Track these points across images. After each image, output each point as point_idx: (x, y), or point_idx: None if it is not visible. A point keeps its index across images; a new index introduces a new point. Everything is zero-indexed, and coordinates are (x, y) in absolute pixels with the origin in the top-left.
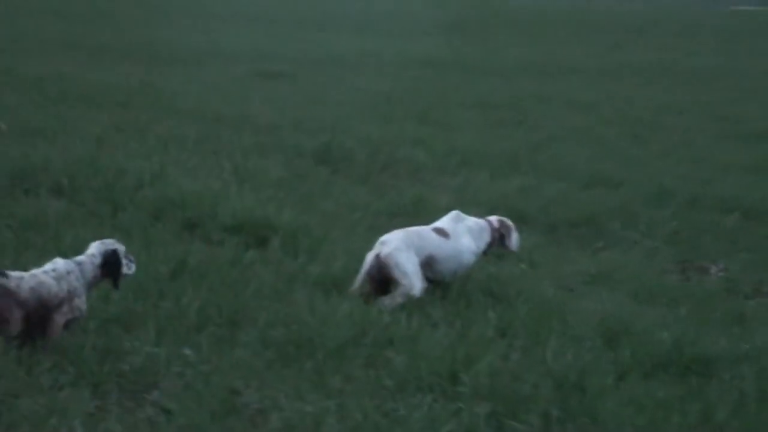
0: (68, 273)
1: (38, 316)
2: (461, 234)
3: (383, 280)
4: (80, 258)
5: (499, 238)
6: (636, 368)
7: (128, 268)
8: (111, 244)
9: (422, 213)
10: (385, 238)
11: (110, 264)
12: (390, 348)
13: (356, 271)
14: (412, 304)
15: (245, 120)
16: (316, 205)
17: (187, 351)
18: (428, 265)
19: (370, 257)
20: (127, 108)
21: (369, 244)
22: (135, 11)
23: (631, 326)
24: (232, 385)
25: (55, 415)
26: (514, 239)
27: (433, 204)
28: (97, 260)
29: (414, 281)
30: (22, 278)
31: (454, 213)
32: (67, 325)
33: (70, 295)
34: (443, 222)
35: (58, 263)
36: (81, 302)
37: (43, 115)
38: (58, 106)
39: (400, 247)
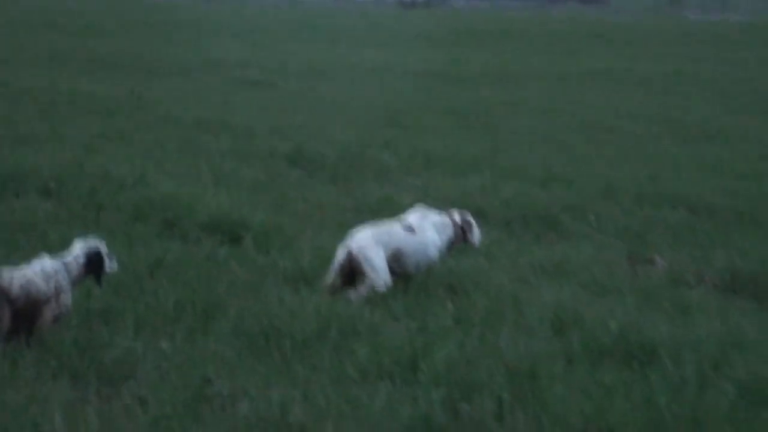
0: (55, 272)
1: (27, 312)
2: (426, 229)
3: (352, 273)
4: (66, 257)
5: (461, 233)
6: (584, 356)
7: (110, 266)
8: (94, 243)
9: (387, 211)
10: (354, 232)
11: (93, 263)
12: (354, 339)
13: (324, 266)
14: (376, 298)
15: (225, 126)
16: (288, 205)
17: (163, 344)
18: (395, 258)
19: (341, 252)
20: (114, 116)
21: (337, 241)
22: (126, 25)
23: (580, 316)
24: (204, 374)
25: (35, 404)
26: (476, 234)
27: (398, 202)
28: (81, 259)
29: (381, 276)
30: (12, 276)
31: (419, 208)
32: (53, 320)
33: (57, 293)
34: (410, 218)
35: (46, 263)
36: (66, 299)
37: (34, 123)
38: (48, 115)
39: (369, 243)
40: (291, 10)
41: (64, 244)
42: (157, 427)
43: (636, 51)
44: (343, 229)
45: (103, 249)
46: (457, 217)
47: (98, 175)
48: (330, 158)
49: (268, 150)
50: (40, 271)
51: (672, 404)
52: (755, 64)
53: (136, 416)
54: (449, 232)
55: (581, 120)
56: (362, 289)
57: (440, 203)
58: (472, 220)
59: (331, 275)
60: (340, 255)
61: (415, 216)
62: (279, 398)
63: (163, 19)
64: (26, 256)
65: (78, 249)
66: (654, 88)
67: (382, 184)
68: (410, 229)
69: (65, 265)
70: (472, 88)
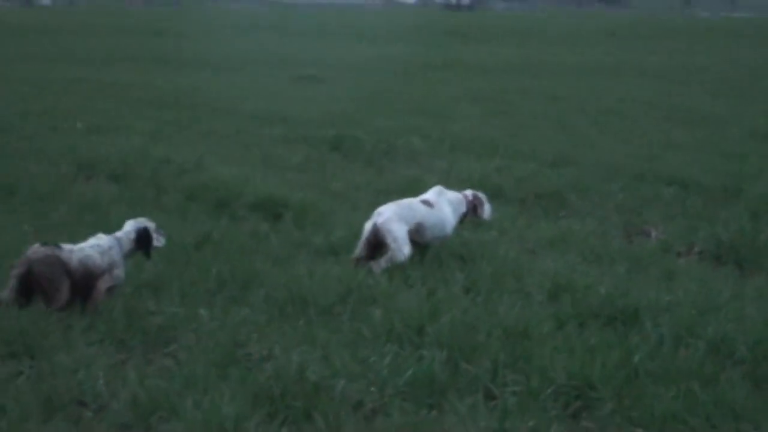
0: (110, 248)
1: (84, 284)
2: (443, 205)
3: (377, 245)
4: (119, 234)
5: (473, 209)
6: (573, 319)
7: (158, 241)
8: (143, 221)
9: (414, 190)
10: (380, 209)
11: (142, 238)
12: (371, 305)
13: (353, 240)
14: (396, 268)
15: (276, 116)
16: (326, 186)
17: (202, 311)
18: (417, 231)
19: (367, 226)
20: (179, 108)
21: (366, 218)
22: (190, 27)
23: (573, 282)
24: (236, 339)
25: (83, 367)
26: (486, 210)
27: (424, 183)
28: (132, 236)
29: (402, 247)
30: (72, 251)
31: (437, 188)
32: (108, 291)
33: (111, 266)
34: (428, 195)
35: (102, 239)
36: (120, 272)
37: (108, 114)
38: (121, 107)
39: (392, 217)
40: (346, 13)
41: (124, 223)
42: (189, 385)
43: (646, 45)
44: (373, 207)
45: (152, 227)
46: (469, 194)
47: (160, 160)
48: (367, 144)
49: (312, 137)
50: (97, 247)
51: (647, 361)
52: (753, 56)
53: (171, 377)
54: (462, 208)
55: (589, 106)
56: (384, 260)
57: (461, 183)
58: (483, 198)
59: (359, 248)
60: (366, 229)
61: (433, 193)
62: (299, 359)
63: (224, 21)
64: (90, 233)
65: (129, 227)
66: (658, 78)
67: (410, 167)
68: (429, 204)
69: (118, 240)
70: (496, 79)
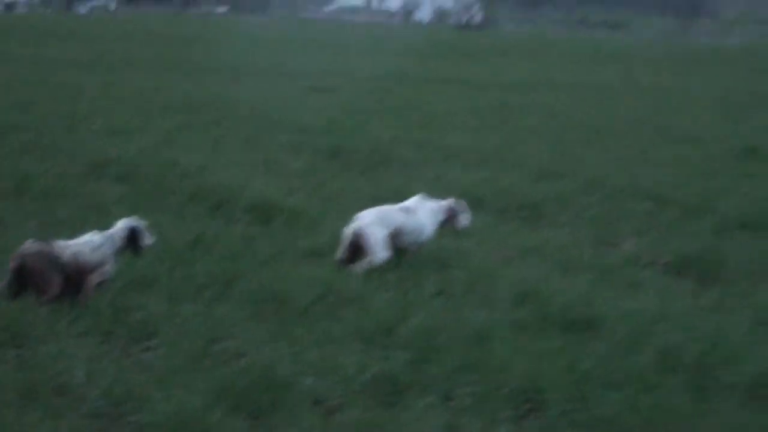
0: (101, 245)
1: (75, 278)
2: (422, 212)
3: (358, 249)
4: (110, 232)
5: (452, 217)
6: (533, 324)
7: (148, 239)
8: (134, 221)
9: (402, 198)
10: (360, 214)
11: (132, 237)
12: (346, 306)
13: (337, 243)
14: (374, 271)
15: (286, 123)
16: (320, 192)
17: (185, 308)
18: (395, 236)
19: (348, 230)
20: (196, 113)
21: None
22: (218, 37)
23: (540, 290)
24: (214, 335)
25: (65, 358)
26: (464, 218)
27: (411, 191)
28: (123, 234)
29: (379, 251)
30: (65, 246)
31: (418, 196)
32: (98, 286)
33: (102, 262)
34: (409, 202)
35: (95, 236)
36: (110, 267)
37: (129, 117)
38: (142, 111)
39: (372, 222)
40: (362, 29)
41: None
42: (163, 378)
43: (641, 67)
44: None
45: (141, 226)
46: (450, 203)
47: (168, 162)
48: (364, 152)
49: (314, 144)
50: (89, 243)
51: (597, 367)
52: (737, 80)
53: (148, 369)
54: (441, 216)
55: (579, 122)
56: (364, 263)
57: (447, 192)
58: (462, 207)
59: (341, 250)
60: (347, 233)
61: (413, 201)
62: (271, 355)
63: (248, 33)
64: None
65: (121, 225)
66: (648, 98)
67: (402, 175)
68: (409, 211)
69: (110, 238)
70: (498, 94)
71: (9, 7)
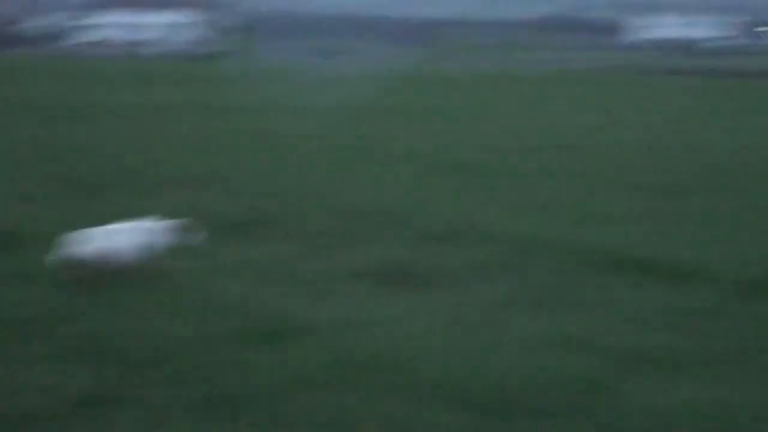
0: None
1: None
2: (129, 233)
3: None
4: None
5: (177, 235)
6: (230, 336)
7: None
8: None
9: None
10: (70, 236)
11: None
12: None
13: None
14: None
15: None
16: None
17: None
18: (99, 254)
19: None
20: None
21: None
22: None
23: (245, 302)
24: None
25: None
26: (184, 238)
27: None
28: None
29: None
30: None
31: (137, 220)
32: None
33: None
34: (121, 225)
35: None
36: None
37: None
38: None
39: (80, 242)
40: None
41: None
42: None
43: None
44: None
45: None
46: (166, 225)
47: None
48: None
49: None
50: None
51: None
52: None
53: None
54: (157, 237)
55: (334, 144)
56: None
57: (178, 214)
58: (182, 228)
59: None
60: (63, 251)
61: (127, 224)
62: None
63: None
64: None
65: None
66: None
67: (142, 199)
68: (117, 233)
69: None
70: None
71: None
